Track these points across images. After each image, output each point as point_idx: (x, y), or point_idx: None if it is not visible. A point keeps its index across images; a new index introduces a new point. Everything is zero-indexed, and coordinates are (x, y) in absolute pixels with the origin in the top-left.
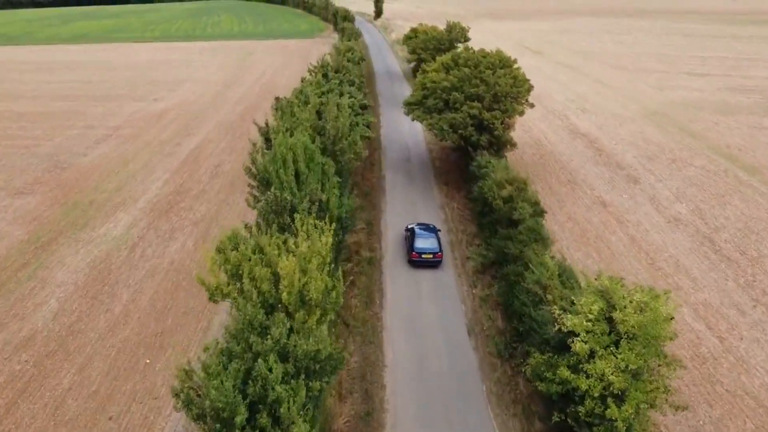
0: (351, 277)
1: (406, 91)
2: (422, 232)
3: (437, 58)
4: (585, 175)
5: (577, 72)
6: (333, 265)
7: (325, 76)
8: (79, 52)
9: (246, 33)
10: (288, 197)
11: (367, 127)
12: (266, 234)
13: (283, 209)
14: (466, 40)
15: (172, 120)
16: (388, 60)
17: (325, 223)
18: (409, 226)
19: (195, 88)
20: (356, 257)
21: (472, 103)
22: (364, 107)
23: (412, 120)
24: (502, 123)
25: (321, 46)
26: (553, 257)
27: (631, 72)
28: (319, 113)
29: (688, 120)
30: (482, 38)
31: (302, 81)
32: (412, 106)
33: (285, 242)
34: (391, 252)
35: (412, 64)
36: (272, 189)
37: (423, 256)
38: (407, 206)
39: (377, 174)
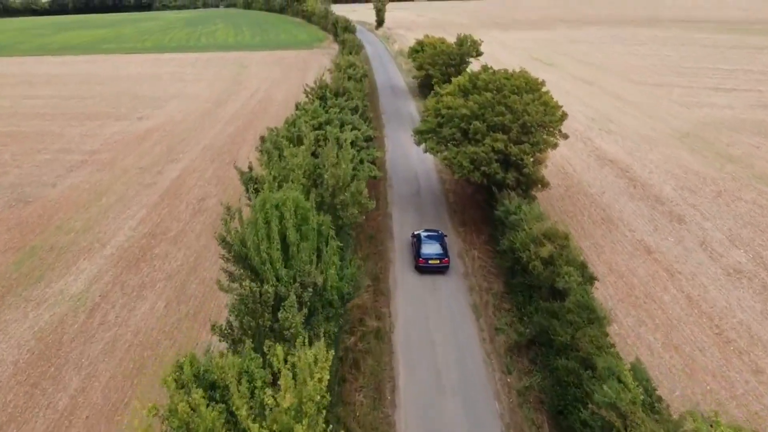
0: (352, 356)
1: (411, 108)
2: (428, 238)
3: (453, 79)
4: (621, 212)
5: (595, 86)
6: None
7: (322, 99)
8: (66, 64)
9: (242, 44)
10: (270, 290)
11: (373, 163)
12: (234, 356)
13: (263, 307)
14: (479, 54)
15: (156, 142)
16: (391, 73)
17: (319, 345)
18: (415, 233)
19: (183, 105)
20: (360, 328)
21: (496, 135)
22: (369, 139)
23: (425, 152)
24: (532, 158)
25: (320, 57)
26: (630, 369)
27: (652, 86)
28: (315, 154)
29: (726, 143)
30: (490, 49)
31: (297, 108)
32: (424, 135)
33: (262, 386)
34: (403, 318)
35: (418, 79)
36: (247, 282)
37: (430, 261)
38: None
39: (382, 211)
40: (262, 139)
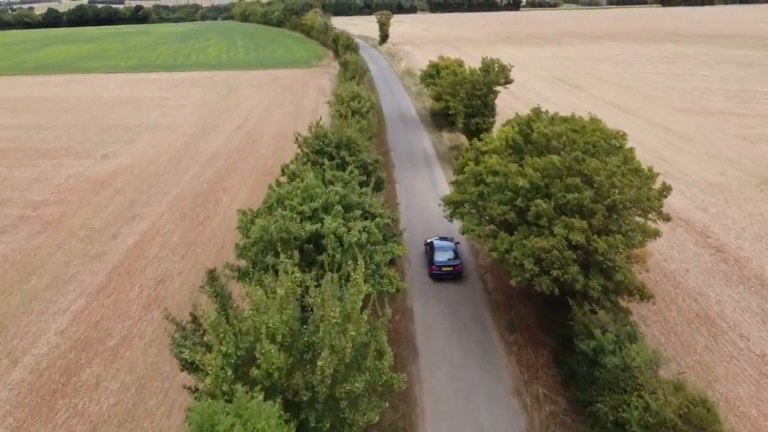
0: None
1: (425, 143)
2: (441, 245)
3: (500, 130)
4: (719, 303)
5: (635, 115)
6: None
7: (320, 153)
8: (38, 86)
9: (234, 62)
10: None
11: (396, 288)
12: None
13: None
14: (508, 81)
15: (118, 191)
16: (399, 97)
17: None
18: (428, 240)
19: (159, 139)
20: None
21: (572, 220)
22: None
23: (462, 233)
24: (627, 257)
25: (319, 77)
26: None
27: (701, 115)
28: (304, 307)
29: None
30: None
31: (282, 172)
32: (458, 209)
33: None
34: None
35: (433, 110)
36: None
37: (443, 269)
38: (457, 406)
39: (400, 303)
40: (212, 276)
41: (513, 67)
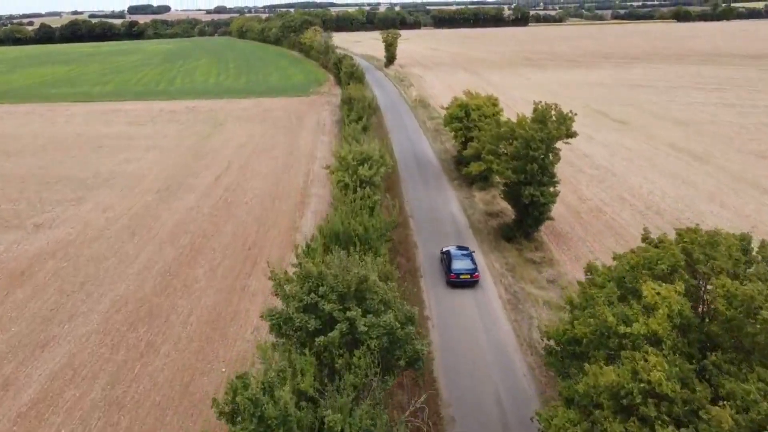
0: None
1: (453, 206)
2: (458, 253)
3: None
4: None
5: (710, 164)
6: None
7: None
8: None
9: (222, 87)
10: None
11: None
12: None
13: None
14: (571, 135)
15: (37, 290)
16: (412, 134)
17: None
18: (445, 249)
19: (114, 198)
20: None
21: None
22: None
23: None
24: None
25: (318, 109)
26: None
27: None
28: None
29: None
30: (530, 97)
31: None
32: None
33: None
34: None
35: (445, 141)
36: None
37: (461, 276)
38: None
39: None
40: None
41: (576, 115)
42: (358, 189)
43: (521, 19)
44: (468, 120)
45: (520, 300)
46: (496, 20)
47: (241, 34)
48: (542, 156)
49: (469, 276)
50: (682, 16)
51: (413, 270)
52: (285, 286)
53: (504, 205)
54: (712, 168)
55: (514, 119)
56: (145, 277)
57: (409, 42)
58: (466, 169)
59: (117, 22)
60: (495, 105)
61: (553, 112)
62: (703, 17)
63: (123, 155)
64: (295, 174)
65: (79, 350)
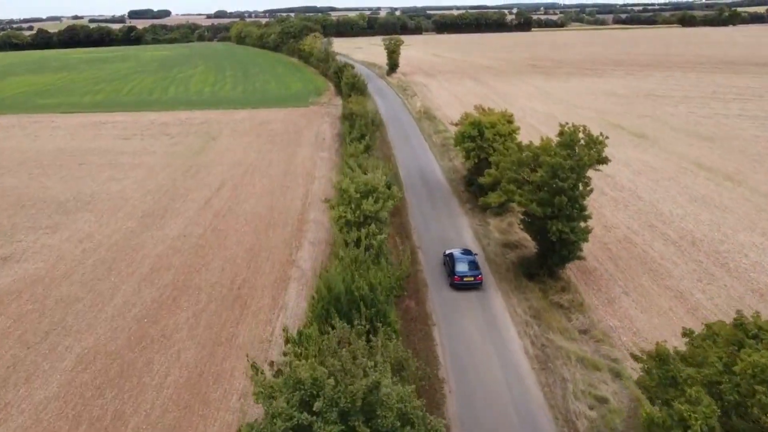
0: None
1: (466, 235)
2: (461, 256)
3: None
4: None
5: (739, 184)
6: None
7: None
8: None
9: (218, 97)
10: None
11: None
12: None
13: None
14: (602, 161)
15: None
16: (418, 150)
17: None
18: (447, 252)
19: (93, 223)
20: None
21: None
22: None
23: None
24: None
25: (318, 121)
26: None
27: None
28: None
29: None
30: (540, 107)
31: None
32: None
33: None
34: None
35: (454, 158)
36: None
37: (465, 279)
38: None
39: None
40: None
41: (608, 138)
42: (362, 227)
43: (524, 24)
44: (482, 139)
45: (549, 357)
46: (498, 25)
47: (240, 40)
48: (572, 187)
49: (472, 278)
50: (686, 21)
51: (424, 316)
52: (270, 400)
53: (523, 235)
54: (746, 190)
55: (527, 134)
56: (119, 324)
57: (411, 48)
58: (483, 198)
59: (115, 27)
60: (510, 122)
61: (581, 135)
62: (708, 22)
63: (107, 173)
64: (292, 196)
65: (32, 424)
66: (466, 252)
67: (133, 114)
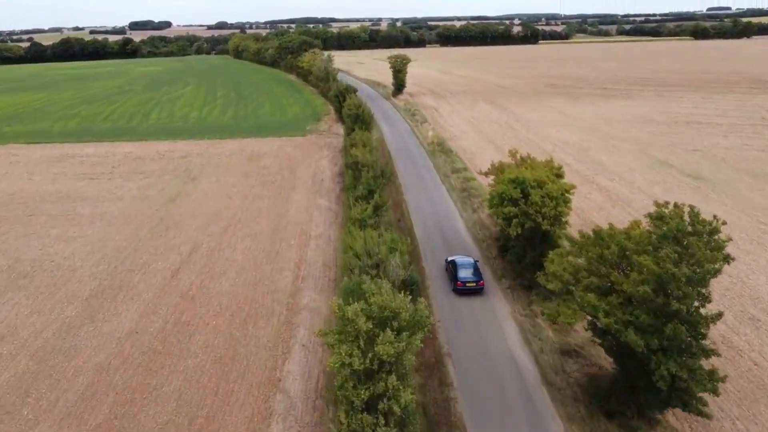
0: None
1: (507, 329)
2: (463, 262)
3: None
4: None
5: None
6: None
7: None
8: None
9: (204, 124)
10: None
11: None
12: None
13: None
14: (727, 260)
15: None
16: (434, 194)
17: None
18: (449, 259)
19: (19, 315)
20: None
21: None
22: None
23: None
24: None
25: (316, 155)
26: None
27: None
28: None
29: None
30: (571, 138)
31: None
32: None
33: None
34: None
35: (479, 209)
36: None
37: (467, 284)
38: None
39: None
40: None
41: (725, 223)
42: (376, 379)
43: (530, 37)
44: (527, 203)
45: None
46: (504, 38)
47: (238, 54)
48: (690, 309)
49: (474, 284)
50: (699, 34)
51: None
52: None
53: (588, 335)
54: None
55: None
56: None
57: (417, 63)
58: (547, 312)
59: (112, 40)
60: (560, 176)
61: (687, 218)
62: (722, 34)
63: (58, 230)
64: (282, 266)
65: None
66: (468, 258)
67: (107, 145)
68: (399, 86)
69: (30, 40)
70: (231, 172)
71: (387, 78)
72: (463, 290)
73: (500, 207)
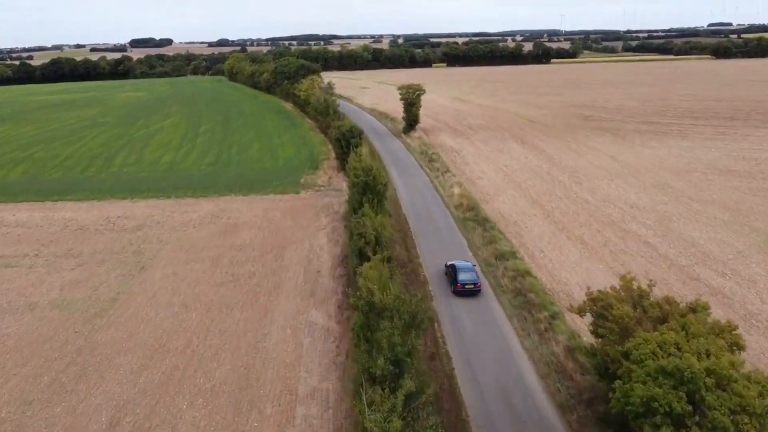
0: None
1: None
2: (463, 266)
3: None
4: None
5: None
6: None
7: None
8: None
9: (176, 173)
10: None
11: None
12: None
13: None
14: None
15: None
16: (479, 304)
17: None
18: (449, 263)
19: None
20: None
21: None
22: None
23: None
24: None
25: (311, 226)
26: None
27: None
28: None
29: None
30: (639, 200)
31: None
32: None
33: None
34: None
35: (558, 340)
36: None
37: (466, 286)
38: None
39: None
40: None
41: None
42: None
43: (542, 56)
44: (701, 420)
45: None
46: (514, 57)
47: (232, 76)
48: None
49: (473, 286)
50: (721, 53)
51: None
52: None
53: None
54: None
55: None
56: None
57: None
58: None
59: (107, 58)
60: (738, 347)
61: None
62: (746, 53)
63: None
64: None
65: None
66: (466, 263)
67: (47, 207)
68: (411, 123)
69: (30, 58)
70: (196, 256)
71: (394, 107)
72: (462, 292)
73: (652, 422)
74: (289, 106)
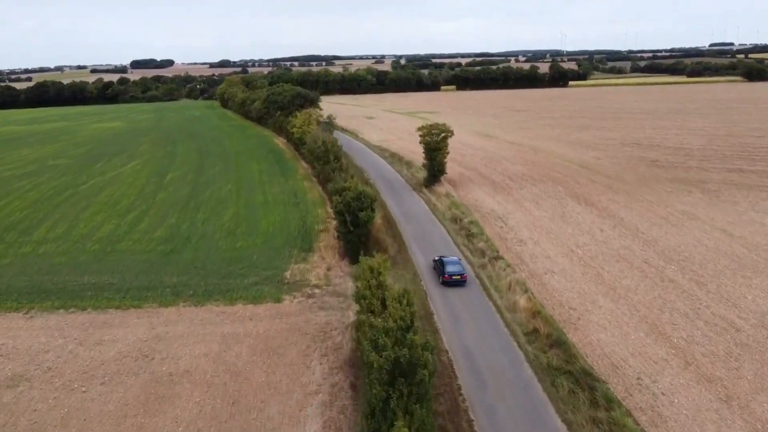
0: None
1: None
2: (450, 260)
3: None
4: None
5: None
6: None
7: None
8: None
9: (113, 253)
10: None
11: None
12: None
13: None
14: None
15: None
16: None
17: None
18: (436, 258)
19: None
20: None
21: None
22: None
23: None
24: None
25: (299, 372)
26: None
27: None
28: None
29: None
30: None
31: None
32: None
33: None
34: None
35: None
36: None
37: (453, 277)
38: None
39: None
40: None
41: None
42: None
43: (559, 78)
44: None
45: None
46: (529, 79)
47: (224, 102)
48: None
49: (459, 277)
50: (755, 74)
51: None
52: None
53: None
54: None
55: None
56: None
57: (441, 116)
58: None
59: (90, 82)
60: None
61: None
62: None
63: None
64: None
65: None
66: (452, 257)
67: None
68: (435, 173)
69: (29, 79)
70: None
71: (408, 144)
72: (449, 282)
73: None
74: (281, 142)
